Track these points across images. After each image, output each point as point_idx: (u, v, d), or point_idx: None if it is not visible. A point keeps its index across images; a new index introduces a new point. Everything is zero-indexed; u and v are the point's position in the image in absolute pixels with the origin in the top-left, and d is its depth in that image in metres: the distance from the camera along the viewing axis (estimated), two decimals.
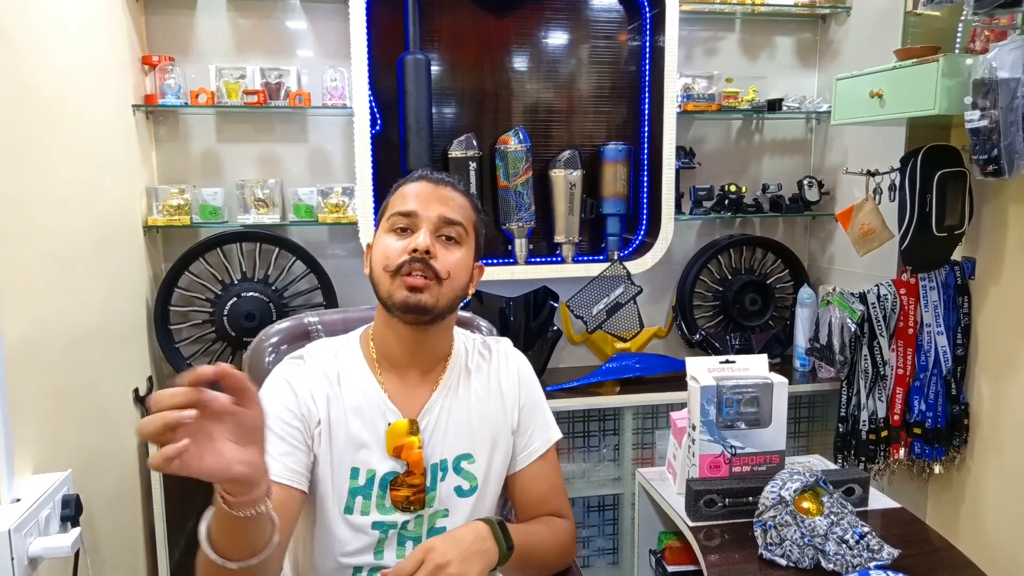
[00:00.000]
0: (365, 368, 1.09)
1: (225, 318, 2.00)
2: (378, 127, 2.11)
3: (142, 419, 0.70)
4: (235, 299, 2.02)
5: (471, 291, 1.11)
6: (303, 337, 1.27)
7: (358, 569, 1.04)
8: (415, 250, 1.02)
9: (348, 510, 1.03)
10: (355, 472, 1.04)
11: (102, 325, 1.68)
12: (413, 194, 1.06)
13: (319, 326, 1.30)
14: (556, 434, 1.18)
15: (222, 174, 2.12)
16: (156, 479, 1.86)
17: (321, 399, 1.05)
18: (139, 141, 1.98)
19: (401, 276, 1.02)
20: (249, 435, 0.75)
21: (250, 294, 2.04)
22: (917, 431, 1.93)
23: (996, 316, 1.83)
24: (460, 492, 1.08)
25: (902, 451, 1.96)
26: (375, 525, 1.04)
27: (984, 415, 1.87)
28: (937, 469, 1.94)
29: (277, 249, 2.09)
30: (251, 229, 2.05)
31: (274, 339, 1.28)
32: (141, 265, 1.97)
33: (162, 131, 2.10)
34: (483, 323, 1.37)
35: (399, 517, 1.04)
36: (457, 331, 1.17)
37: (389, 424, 1.06)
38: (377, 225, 1.10)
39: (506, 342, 1.21)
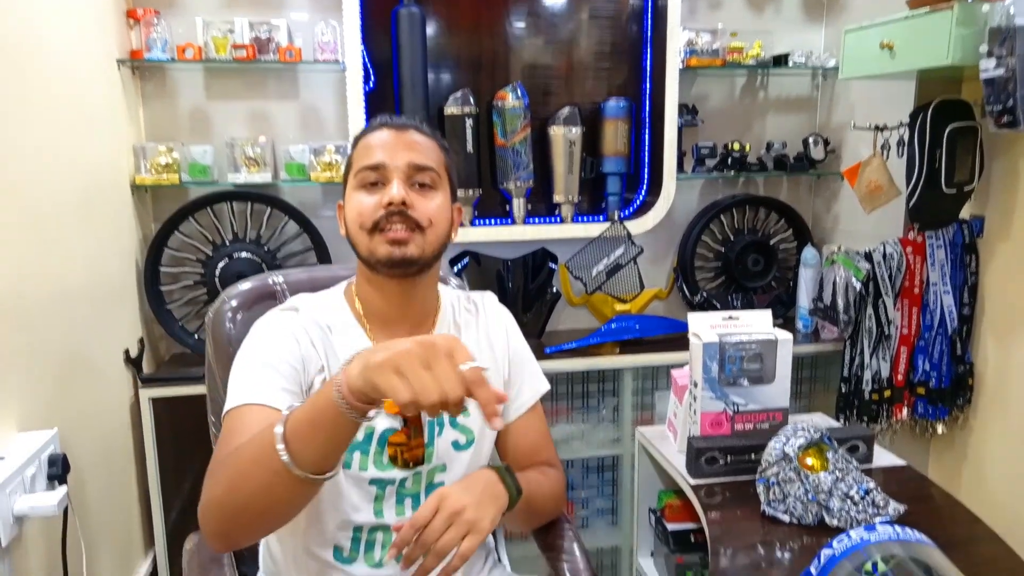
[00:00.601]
0: (355, 324, 1.06)
1: (217, 279, 1.96)
2: (372, 84, 2.05)
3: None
4: (227, 260, 1.98)
5: (454, 235, 1.07)
6: (268, 297, 1.20)
7: (358, 528, 1.02)
8: (390, 203, 0.98)
9: (347, 464, 1.01)
10: None
11: (89, 285, 1.64)
12: (378, 144, 1.01)
13: (284, 286, 1.23)
14: (544, 386, 1.18)
15: (211, 132, 2.07)
16: (149, 442, 1.83)
17: (320, 348, 1.02)
18: (125, 97, 1.92)
19: (380, 232, 0.99)
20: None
21: (242, 255, 1.99)
22: (921, 391, 1.91)
23: (1004, 275, 1.79)
24: (457, 446, 1.07)
25: (905, 411, 1.94)
26: (372, 481, 1.02)
27: (989, 375, 1.84)
28: (940, 429, 1.92)
29: (269, 209, 2.04)
30: (242, 188, 2.00)
31: (235, 301, 1.19)
32: (130, 225, 1.93)
33: (149, 87, 2.04)
34: (453, 280, 1.33)
35: (397, 474, 1.02)
36: (441, 287, 1.14)
37: None
38: (344, 182, 1.06)
39: (491, 296, 1.19)
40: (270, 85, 2.09)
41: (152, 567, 1.89)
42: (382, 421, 1.02)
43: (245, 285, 1.22)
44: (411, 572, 0.91)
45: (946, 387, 1.87)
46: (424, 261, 1.01)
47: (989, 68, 1.44)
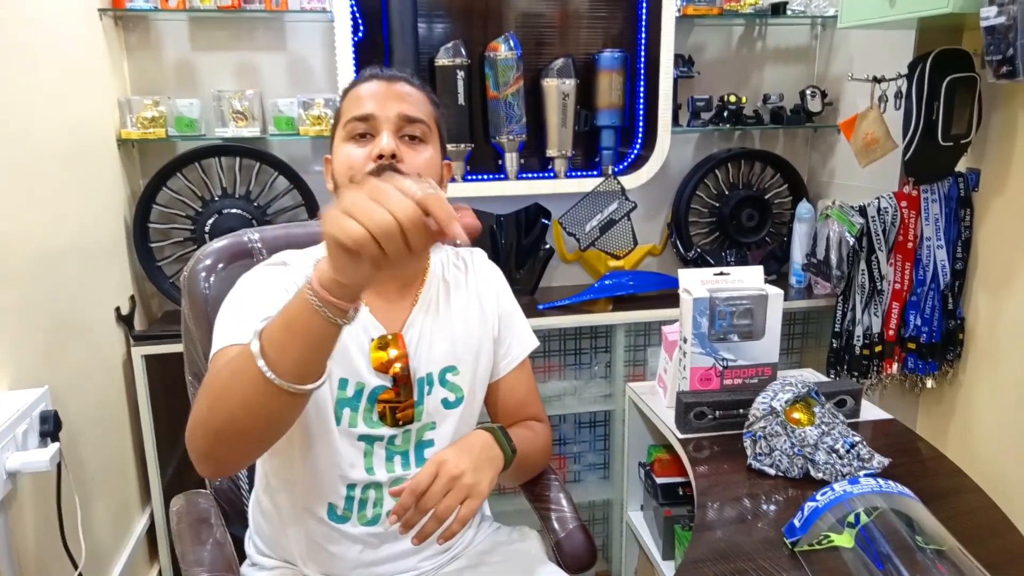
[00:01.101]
0: None
1: (207, 235, 1.95)
2: (360, 34, 2.00)
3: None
4: (216, 216, 1.96)
5: (444, 191, 1.06)
6: (244, 256, 1.19)
7: (352, 486, 1.02)
8: (380, 155, 0.96)
9: (336, 421, 1.01)
10: (343, 383, 1.01)
11: (78, 241, 1.62)
12: (367, 95, 0.99)
13: (259, 243, 1.21)
14: (533, 342, 1.18)
15: (197, 84, 2.03)
16: (143, 399, 1.84)
17: None
18: (108, 49, 1.88)
19: None
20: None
21: (232, 211, 1.98)
22: (911, 346, 1.91)
23: (998, 229, 1.78)
24: (447, 404, 1.07)
25: (895, 366, 1.95)
26: (361, 438, 1.02)
27: (979, 329, 1.84)
28: (929, 383, 1.93)
29: (258, 164, 2.01)
30: (230, 143, 1.96)
31: (210, 259, 1.17)
32: (117, 180, 1.91)
33: (132, 38, 1.99)
34: None
35: (386, 431, 1.03)
36: None
37: (372, 340, 1.03)
38: (333, 135, 1.04)
39: (480, 253, 1.19)
40: (256, 36, 2.04)
41: (149, 521, 1.92)
42: (372, 379, 1.02)
43: (220, 243, 1.20)
44: (409, 534, 0.92)
45: (937, 342, 1.88)
46: None
47: (990, 16, 1.41)
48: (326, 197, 2.02)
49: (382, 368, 1.02)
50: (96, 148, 1.79)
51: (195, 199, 2.00)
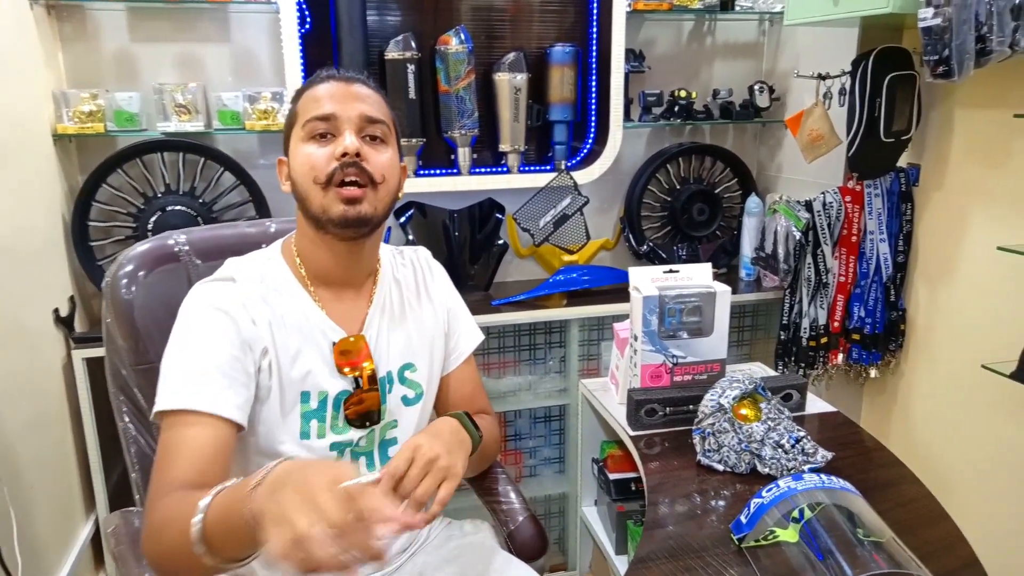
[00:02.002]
0: (297, 287, 1.03)
1: (150, 234, 1.89)
2: (308, 26, 1.95)
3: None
4: (160, 213, 1.90)
5: (400, 194, 1.05)
6: (169, 260, 1.13)
7: None
8: (344, 154, 0.95)
9: (304, 435, 1.00)
10: (306, 396, 1.00)
11: (10, 241, 1.56)
12: (327, 95, 0.98)
13: (186, 246, 1.15)
14: (479, 336, 1.22)
15: (138, 77, 1.96)
16: (85, 403, 1.78)
17: (263, 324, 0.98)
18: (41, 40, 1.80)
19: (334, 187, 0.95)
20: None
21: (176, 208, 1.92)
22: (856, 337, 1.96)
23: (937, 222, 1.84)
24: (406, 401, 1.09)
25: (840, 356, 2.00)
26: (332, 446, 1.02)
27: (920, 320, 1.90)
28: (873, 373, 1.99)
29: (203, 159, 1.96)
30: (173, 138, 1.90)
31: (131, 265, 1.11)
32: (53, 177, 1.83)
33: (67, 29, 1.91)
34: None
35: (354, 435, 1.03)
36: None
37: (334, 343, 1.02)
38: (287, 136, 1.01)
39: (424, 251, 1.21)
40: (199, 26, 1.98)
41: (94, 529, 1.86)
42: (333, 384, 1.01)
43: (142, 247, 1.14)
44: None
45: (879, 333, 1.94)
46: (376, 220, 1.00)
47: (927, 17, 1.44)
48: (275, 193, 2.00)
49: (348, 371, 1.02)
50: (30, 143, 1.72)
51: (137, 196, 1.94)
